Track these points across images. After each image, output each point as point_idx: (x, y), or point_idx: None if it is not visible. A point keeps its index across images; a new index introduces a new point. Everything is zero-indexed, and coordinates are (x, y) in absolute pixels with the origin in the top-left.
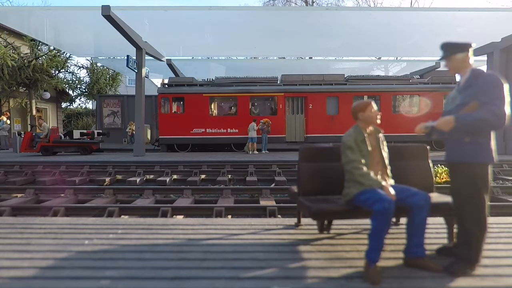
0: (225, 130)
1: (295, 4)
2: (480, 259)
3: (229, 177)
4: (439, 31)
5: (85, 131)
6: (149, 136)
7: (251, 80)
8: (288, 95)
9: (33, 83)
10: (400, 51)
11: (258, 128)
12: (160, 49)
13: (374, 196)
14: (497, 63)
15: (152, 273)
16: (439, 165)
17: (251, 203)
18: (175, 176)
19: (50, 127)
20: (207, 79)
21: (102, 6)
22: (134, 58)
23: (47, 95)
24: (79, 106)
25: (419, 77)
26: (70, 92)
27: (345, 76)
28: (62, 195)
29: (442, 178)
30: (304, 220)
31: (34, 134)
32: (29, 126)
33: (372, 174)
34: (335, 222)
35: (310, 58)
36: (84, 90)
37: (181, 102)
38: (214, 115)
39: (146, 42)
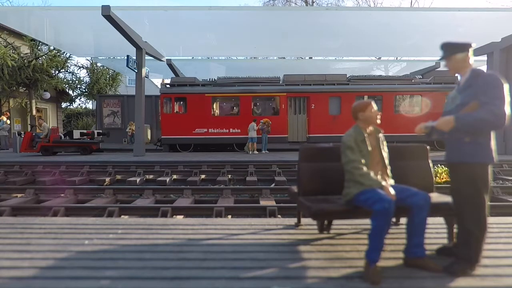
0: (227, 130)
1: (295, 4)
2: (480, 259)
3: (229, 177)
4: (439, 31)
5: (85, 131)
6: (149, 136)
7: (253, 80)
8: (290, 95)
9: (33, 83)
10: (400, 51)
11: (258, 128)
12: (160, 49)
13: (374, 196)
14: (497, 63)
15: (152, 273)
16: (439, 165)
17: (251, 203)
18: (175, 176)
19: (50, 127)
20: (210, 79)
21: (102, 6)
22: (134, 58)
23: (47, 95)
24: (79, 106)
25: (421, 77)
26: (70, 92)
27: (347, 76)
28: (62, 195)
29: (442, 178)
30: (304, 220)
31: (34, 134)
32: (29, 126)
33: (372, 174)
34: (335, 222)
35: (310, 58)
36: (84, 90)
37: (184, 102)
38: (216, 115)
39: (146, 42)
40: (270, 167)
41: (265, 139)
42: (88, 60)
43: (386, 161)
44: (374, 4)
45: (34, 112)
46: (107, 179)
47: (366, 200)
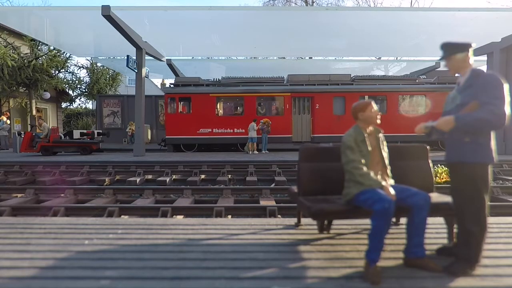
0: (231, 130)
1: (295, 4)
2: (480, 259)
3: (229, 177)
4: (439, 31)
5: (85, 131)
6: (149, 136)
7: (258, 80)
8: (294, 95)
9: (33, 83)
10: (400, 51)
11: (258, 128)
12: (160, 49)
13: (374, 196)
14: (497, 63)
15: (152, 273)
16: (439, 165)
17: (251, 203)
18: (175, 176)
19: (50, 127)
20: (214, 79)
21: (102, 6)
22: (134, 58)
23: (47, 95)
24: (79, 106)
25: (425, 77)
26: (70, 92)
27: (352, 76)
28: (62, 195)
29: (442, 178)
30: (304, 220)
31: (34, 134)
32: (29, 126)
33: (372, 174)
34: (335, 222)
35: (310, 58)
36: (84, 90)
37: (188, 102)
38: (220, 115)
39: (146, 42)
40: (270, 167)
41: (265, 139)
42: (88, 60)
43: (386, 161)
44: (374, 4)
45: (34, 112)
46: (107, 179)
47: (366, 200)
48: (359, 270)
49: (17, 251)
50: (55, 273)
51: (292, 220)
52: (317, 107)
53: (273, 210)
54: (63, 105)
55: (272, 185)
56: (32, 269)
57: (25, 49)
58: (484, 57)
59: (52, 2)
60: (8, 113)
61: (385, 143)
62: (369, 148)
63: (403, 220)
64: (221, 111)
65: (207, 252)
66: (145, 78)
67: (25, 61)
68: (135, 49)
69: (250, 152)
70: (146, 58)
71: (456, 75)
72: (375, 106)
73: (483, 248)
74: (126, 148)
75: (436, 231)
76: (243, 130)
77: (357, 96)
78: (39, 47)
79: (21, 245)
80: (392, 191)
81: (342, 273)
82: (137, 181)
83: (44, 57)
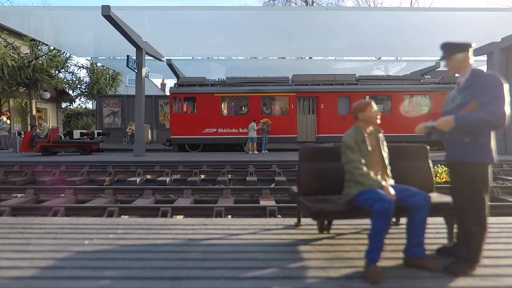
0: (236, 130)
1: (295, 4)
2: (480, 259)
3: (229, 177)
4: (439, 31)
5: (85, 131)
6: (149, 136)
7: (263, 80)
8: (299, 95)
9: (33, 83)
10: (400, 51)
11: (258, 128)
12: (160, 49)
13: (374, 196)
14: (497, 63)
15: (152, 273)
16: (439, 165)
17: (251, 203)
18: (175, 176)
19: (50, 127)
20: (219, 79)
21: (102, 6)
22: (134, 58)
23: (47, 95)
24: (79, 106)
25: (429, 77)
26: (70, 92)
27: (356, 76)
28: (62, 195)
29: (442, 178)
30: (304, 220)
31: (34, 134)
32: (29, 126)
33: (372, 174)
34: (335, 222)
35: (310, 58)
36: (84, 90)
37: (193, 102)
38: (225, 115)
39: (146, 42)
40: (270, 167)
41: (265, 139)
42: (88, 60)
43: (386, 161)
44: (374, 4)
45: (34, 112)
46: (107, 179)
47: (366, 200)
48: (359, 270)
49: (17, 251)
50: (55, 273)
51: (292, 220)
52: (322, 107)
53: (273, 210)
54: (63, 105)
55: (272, 185)
56: (32, 269)
57: (25, 49)
58: (484, 57)
59: (52, 2)
60: (8, 113)
61: (385, 143)
62: (369, 148)
63: (403, 220)
64: (226, 111)
65: (207, 252)
66: (145, 78)
67: (25, 61)
68: (135, 49)
69: (250, 152)
70: (146, 58)
71: (456, 75)
72: (375, 106)
73: (483, 248)
74: (126, 148)
75: (436, 231)
76: None
77: (362, 96)
78: (39, 47)
79: (21, 245)
80: (392, 191)
81: (342, 273)
82: (137, 181)
83: (44, 57)
